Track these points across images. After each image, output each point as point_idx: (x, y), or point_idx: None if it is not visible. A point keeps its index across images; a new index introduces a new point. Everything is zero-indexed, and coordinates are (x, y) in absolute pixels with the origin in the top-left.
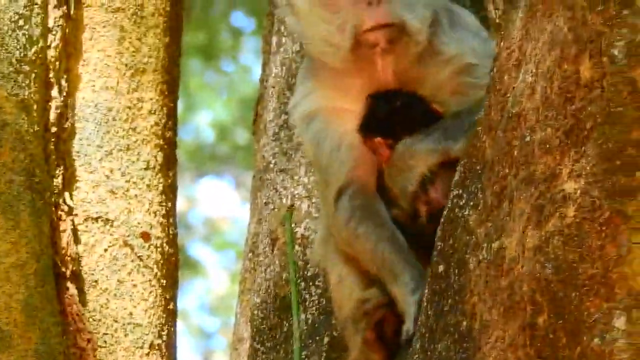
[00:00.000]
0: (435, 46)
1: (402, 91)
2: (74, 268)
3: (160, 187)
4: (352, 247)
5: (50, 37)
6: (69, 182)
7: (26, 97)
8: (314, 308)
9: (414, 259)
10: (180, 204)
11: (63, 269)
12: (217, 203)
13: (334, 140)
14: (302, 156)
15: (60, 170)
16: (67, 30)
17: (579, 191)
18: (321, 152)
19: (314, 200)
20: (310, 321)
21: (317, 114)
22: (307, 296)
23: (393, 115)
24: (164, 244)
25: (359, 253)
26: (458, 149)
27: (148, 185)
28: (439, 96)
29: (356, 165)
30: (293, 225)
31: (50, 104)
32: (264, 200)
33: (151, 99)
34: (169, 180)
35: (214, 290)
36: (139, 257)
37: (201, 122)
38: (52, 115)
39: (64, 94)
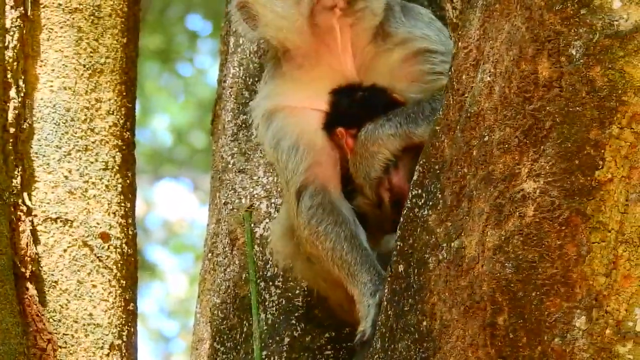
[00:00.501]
0: (387, 30)
1: (362, 84)
2: (34, 268)
3: (119, 188)
4: (314, 246)
5: (7, 37)
6: (28, 182)
7: None
8: (274, 308)
9: (374, 259)
10: (138, 208)
11: (22, 270)
12: (175, 206)
13: (292, 139)
14: (260, 156)
15: (18, 171)
16: (24, 31)
17: (538, 191)
18: (280, 152)
19: (273, 201)
20: (270, 321)
21: (276, 113)
22: (267, 296)
23: (355, 106)
24: (123, 245)
25: (320, 252)
26: (420, 133)
27: (107, 186)
28: (397, 85)
29: (315, 164)
30: (252, 225)
31: (8, 104)
32: (223, 201)
33: (109, 100)
34: (128, 181)
35: (172, 293)
36: (98, 257)
37: (158, 126)
38: (10, 116)
39: (22, 94)
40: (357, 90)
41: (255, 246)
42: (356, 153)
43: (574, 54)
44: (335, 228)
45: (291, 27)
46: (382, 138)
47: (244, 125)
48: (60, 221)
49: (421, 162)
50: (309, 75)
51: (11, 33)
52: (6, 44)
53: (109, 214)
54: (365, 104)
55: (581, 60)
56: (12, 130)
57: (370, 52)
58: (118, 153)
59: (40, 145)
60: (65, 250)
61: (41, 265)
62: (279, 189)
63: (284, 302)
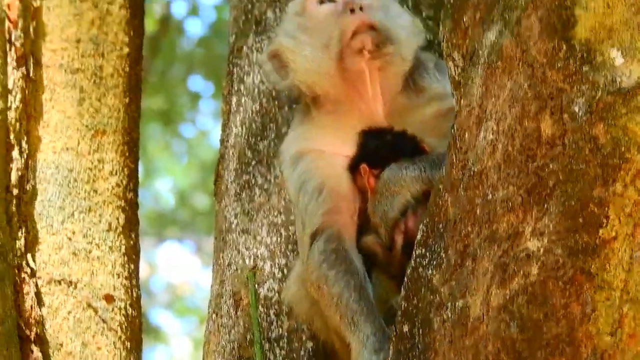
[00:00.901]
0: (421, 84)
1: (393, 128)
2: (38, 331)
3: (123, 249)
4: (319, 290)
5: (10, 98)
6: (32, 244)
7: None
8: None
9: (379, 316)
10: (142, 270)
11: (27, 332)
12: (178, 268)
13: (317, 182)
14: (264, 216)
15: (22, 232)
16: (26, 92)
17: (542, 249)
18: (304, 193)
19: (277, 261)
20: None
21: (304, 156)
22: (271, 357)
23: (383, 148)
24: (128, 306)
25: (325, 297)
26: None
27: (110, 247)
28: (426, 139)
29: (335, 209)
30: (256, 286)
31: (11, 165)
32: (227, 261)
33: (112, 160)
34: (132, 242)
35: (176, 357)
36: (102, 319)
37: (161, 188)
38: (13, 177)
39: (25, 155)
40: (387, 134)
41: (260, 307)
42: (377, 192)
43: (577, 111)
44: (346, 276)
45: (321, 71)
46: (405, 179)
47: (247, 185)
48: (64, 283)
49: (425, 221)
50: (338, 121)
51: (14, 93)
52: (9, 104)
53: (113, 276)
54: (394, 148)
55: (584, 118)
56: (15, 191)
57: (402, 103)
58: (121, 214)
59: (43, 207)
60: (69, 312)
61: (46, 327)
62: (282, 249)
63: None
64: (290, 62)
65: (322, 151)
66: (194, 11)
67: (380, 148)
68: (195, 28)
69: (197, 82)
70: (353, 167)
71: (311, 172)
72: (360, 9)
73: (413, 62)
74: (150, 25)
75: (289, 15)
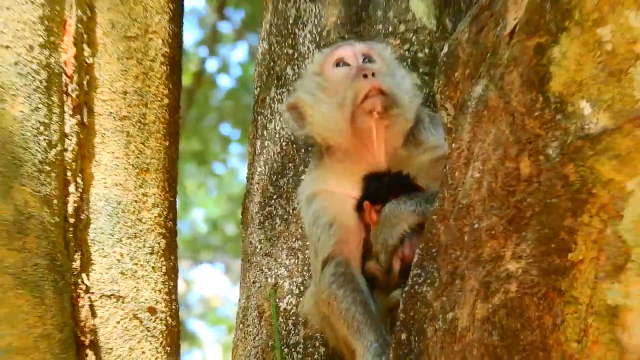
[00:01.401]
0: (419, 137)
1: (390, 171)
2: (92, 338)
3: (164, 269)
4: (329, 306)
5: (67, 141)
6: (86, 265)
7: (48, 193)
8: None
9: (382, 328)
10: (180, 287)
11: (82, 339)
12: (211, 285)
13: (328, 218)
14: (284, 242)
15: (78, 255)
16: (81, 136)
17: (520, 270)
18: (317, 227)
19: (294, 280)
20: None
21: (317, 196)
22: None
23: (382, 187)
24: (168, 317)
25: (334, 312)
26: None
27: (153, 267)
28: (421, 179)
29: (343, 241)
30: (277, 300)
31: (68, 198)
32: (252, 280)
33: (154, 194)
34: (171, 263)
35: (209, 359)
36: (146, 328)
37: (196, 218)
38: (70, 209)
39: (80, 190)
40: (386, 176)
41: (280, 318)
42: (379, 223)
43: (551, 153)
44: (352, 294)
45: (334, 127)
46: (403, 212)
47: (269, 216)
48: (114, 297)
49: (421, 246)
50: (347, 167)
51: (70, 137)
52: (66, 147)
53: (155, 292)
54: (391, 186)
55: (557, 159)
56: (72, 220)
57: (402, 154)
58: (162, 240)
59: (96, 233)
60: (118, 322)
61: (98, 335)
62: (299, 270)
63: None
64: (308, 115)
65: (333, 192)
66: (224, 68)
67: (380, 188)
68: (225, 82)
69: (227, 129)
70: (359, 207)
71: (323, 210)
72: (373, 74)
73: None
74: (186, 80)
75: (308, 73)
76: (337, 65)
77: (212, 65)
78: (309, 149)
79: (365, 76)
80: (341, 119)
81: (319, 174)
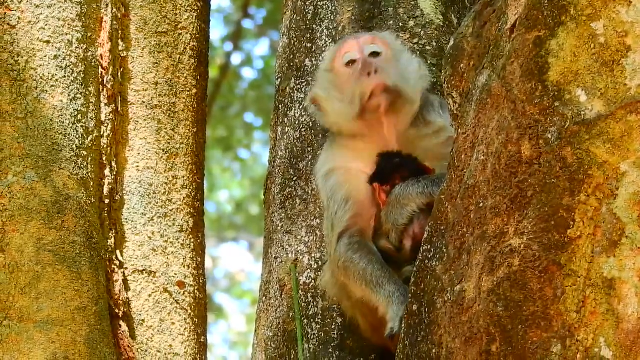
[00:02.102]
0: (428, 118)
1: (401, 152)
2: (125, 310)
3: (192, 246)
4: (346, 272)
5: (102, 128)
6: (120, 242)
7: (85, 176)
8: (315, 340)
9: (399, 280)
10: (207, 262)
11: (116, 311)
12: (235, 261)
13: (344, 193)
14: (303, 220)
15: (112, 233)
16: (115, 123)
17: (522, 245)
18: (334, 202)
19: (313, 255)
20: (312, 350)
21: (333, 172)
22: (309, 330)
23: (392, 168)
24: (196, 291)
25: (351, 276)
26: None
27: (182, 245)
28: (430, 161)
29: (358, 215)
30: (297, 274)
31: (103, 181)
32: (274, 256)
33: (183, 177)
34: (199, 241)
35: (234, 329)
36: (176, 301)
37: (222, 199)
38: (105, 190)
39: (114, 173)
40: (397, 156)
41: (300, 291)
42: (389, 204)
43: (550, 137)
44: (369, 255)
45: (347, 121)
46: (412, 194)
47: (289, 196)
48: (146, 272)
49: (430, 224)
50: (361, 146)
51: (105, 125)
52: (101, 133)
53: (184, 267)
54: (400, 167)
55: (555, 143)
56: (107, 201)
57: (412, 135)
58: (191, 219)
59: (129, 213)
60: (150, 295)
61: (131, 307)
62: (317, 246)
63: (322, 335)
64: (324, 109)
65: (349, 168)
66: (247, 61)
67: (389, 167)
68: (248, 74)
69: (250, 117)
70: (372, 181)
71: (340, 185)
72: (376, 71)
73: (422, 101)
74: (213, 72)
75: (322, 70)
76: (346, 62)
77: (236, 59)
78: (326, 134)
79: (369, 74)
80: (352, 114)
81: (335, 152)
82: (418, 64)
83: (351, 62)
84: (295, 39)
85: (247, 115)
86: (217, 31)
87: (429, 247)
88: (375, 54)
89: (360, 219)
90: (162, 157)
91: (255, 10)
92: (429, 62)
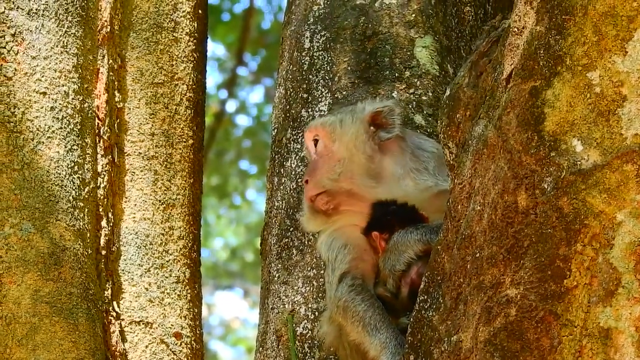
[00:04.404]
0: (418, 178)
1: (396, 201)
2: None
3: (189, 297)
4: (345, 313)
5: (99, 179)
6: (117, 293)
7: (81, 227)
8: None
9: (397, 329)
10: (202, 310)
11: None
12: (230, 309)
13: (342, 241)
14: (300, 271)
15: (109, 284)
16: (112, 174)
17: (519, 296)
18: (332, 249)
19: (309, 306)
20: None
21: (331, 231)
22: None
23: (388, 216)
24: (192, 342)
25: (350, 317)
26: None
27: (179, 295)
28: (426, 213)
29: (359, 258)
30: (294, 325)
31: (100, 232)
32: (270, 306)
33: (180, 227)
34: (195, 292)
35: None
36: (173, 352)
37: (216, 246)
38: (102, 241)
39: (111, 224)
40: (391, 205)
41: (297, 342)
42: (387, 250)
43: (546, 187)
44: (370, 299)
45: None
46: (410, 241)
47: (286, 247)
48: (143, 324)
49: (427, 274)
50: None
51: (102, 176)
52: (98, 184)
53: (181, 318)
54: (396, 215)
55: (552, 193)
56: (103, 252)
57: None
58: (187, 269)
59: (125, 264)
60: (147, 347)
61: (128, 358)
62: (314, 296)
63: None
64: None
65: (343, 225)
66: (242, 108)
67: (386, 216)
68: (243, 121)
69: (245, 164)
70: (366, 232)
71: (337, 236)
72: (306, 182)
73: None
74: (208, 119)
75: (304, 137)
76: (315, 142)
77: (231, 106)
78: None
79: (307, 182)
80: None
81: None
82: (355, 134)
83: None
84: (291, 90)
85: (242, 162)
86: (212, 78)
87: (425, 297)
88: (316, 145)
89: (362, 264)
90: (158, 208)
91: (250, 58)
92: (424, 112)
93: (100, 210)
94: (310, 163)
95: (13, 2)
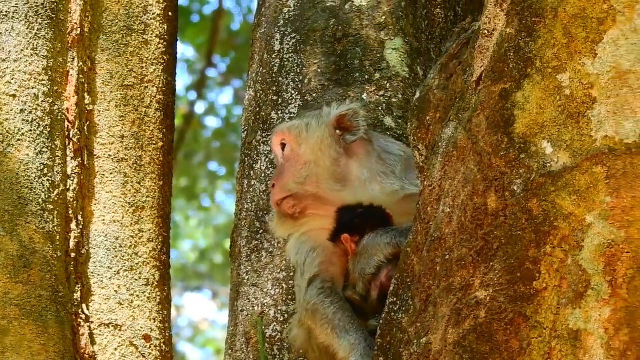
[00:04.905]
0: (385, 182)
1: (362, 204)
2: None
3: (158, 299)
4: (314, 316)
5: (69, 182)
6: (86, 296)
7: (51, 229)
8: None
9: (366, 331)
10: (171, 312)
11: None
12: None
13: (311, 245)
14: (269, 273)
15: (78, 287)
16: (82, 177)
17: (488, 298)
18: (301, 253)
19: (279, 308)
20: None
21: (300, 235)
22: None
23: (357, 218)
24: (162, 344)
25: (319, 319)
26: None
27: (148, 298)
28: (394, 216)
29: (328, 262)
30: (263, 327)
31: (69, 234)
32: (240, 309)
33: (149, 230)
34: (165, 294)
35: None
36: (142, 354)
37: (185, 247)
38: (72, 244)
39: (81, 227)
40: (358, 207)
41: (266, 344)
42: (357, 254)
43: (516, 189)
44: (340, 302)
45: None
46: (380, 244)
47: (255, 249)
48: (112, 326)
49: (396, 276)
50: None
51: (72, 178)
52: (68, 187)
53: (150, 320)
54: (365, 217)
55: (521, 195)
56: (73, 255)
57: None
58: (157, 272)
59: (95, 267)
60: (116, 349)
61: None
62: (283, 299)
63: None
64: None
65: (313, 229)
66: (211, 110)
67: (354, 219)
68: (212, 123)
69: (214, 166)
70: (333, 237)
71: (306, 240)
72: (273, 185)
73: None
74: (177, 121)
75: (271, 141)
76: (282, 147)
77: (200, 107)
78: None
79: (273, 186)
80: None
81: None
82: (320, 138)
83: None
84: (261, 92)
85: (211, 164)
86: (181, 80)
87: (395, 299)
88: (284, 149)
89: (332, 267)
90: (128, 210)
91: (219, 60)
92: (394, 114)
93: (70, 212)
94: (277, 167)
95: None
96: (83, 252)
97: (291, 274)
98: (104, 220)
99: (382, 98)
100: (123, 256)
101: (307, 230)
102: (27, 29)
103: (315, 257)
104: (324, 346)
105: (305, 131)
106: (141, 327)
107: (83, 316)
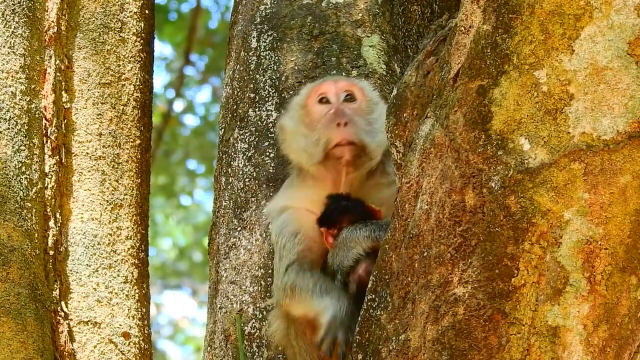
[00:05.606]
0: (387, 170)
1: (349, 195)
2: None
3: (137, 297)
4: (292, 292)
5: (46, 180)
6: (65, 293)
7: (29, 227)
8: None
9: (348, 296)
10: (150, 310)
11: None
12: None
13: (294, 228)
14: (248, 270)
15: (57, 284)
16: (60, 175)
17: (467, 294)
18: (282, 235)
19: (257, 305)
20: None
21: (285, 210)
22: None
23: (340, 211)
24: (141, 341)
25: (298, 293)
26: None
27: (127, 295)
28: (381, 208)
29: (307, 249)
30: (242, 325)
31: (48, 232)
32: (218, 306)
33: (127, 228)
34: (143, 291)
35: None
36: (121, 352)
37: (164, 246)
38: (50, 242)
39: (59, 224)
40: (344, 199)
41: (245, 341)
42: (336, 246)
43: (494, 186)
44: (319, 274)
45: (308, 158)
46: (359, 237)
47: (234, 246)
48: (91, 323)
49: (374, 273)
50: (315, 189)
51: (50, 176)
52: (46, 185)
53: (129, 318)
54: (348, 211)
55: (499, 191)
56: (51, 252)
57: (369, 184)
58: (135, 269)
59: (73, 264)
60: (95, 347)
61: (76, 358)
62: (262, 296)
63: None
64: (288, 139)
65: (299, 208)
66: (189, 108)
67: (336, 212)
68: (190, 121)
69: (193, 164)
70: (320, 223)
71: (289, 221)
72: (345, 124)
73: (384, 153)
74: (155, 119)
75: (295, 103)
76: (320, 101)
77: (178, 106)
78: (270, 184)
79: (339, 124)
80: (314, 153)
81: (289, 192)
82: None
83: (326, 103)
84: (238, 89)
85: (189, 162)
86: (159, 78)
87: (373, 296)
88: (350, 100)
89: (310, 253)
90: (106, 208)
91: (197, 58)
92: None
93: (48, 210)
94: (336, 110)
95: None
96: (61, 249)
97: (269, 272)
98: (82, 217)
99: None
100: (101, 254)
101: (295, 209)
102: (3, 27)
103: (296, 243)
104: (302, 330)
105: (379, 104)
106: (120, 325)
107: (62, 314)
